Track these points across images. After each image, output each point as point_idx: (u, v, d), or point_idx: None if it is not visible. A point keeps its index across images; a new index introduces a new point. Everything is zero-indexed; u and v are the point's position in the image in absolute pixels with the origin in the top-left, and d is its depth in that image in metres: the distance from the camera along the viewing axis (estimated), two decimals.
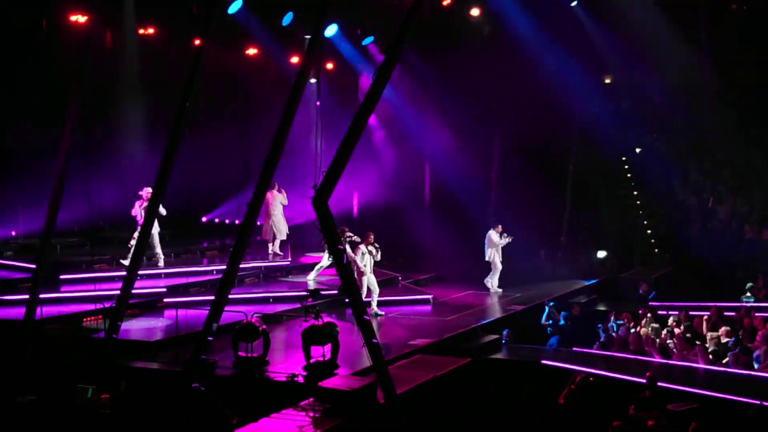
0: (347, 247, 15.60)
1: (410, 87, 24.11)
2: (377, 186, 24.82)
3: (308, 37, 14.37)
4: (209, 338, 12.16)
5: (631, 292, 20.49)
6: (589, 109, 24.64)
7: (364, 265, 16.36)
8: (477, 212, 23.43)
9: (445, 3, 22.51)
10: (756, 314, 16.29)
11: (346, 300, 13.52)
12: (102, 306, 13.92)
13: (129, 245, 17.45)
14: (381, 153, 25.47)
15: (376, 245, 16.63)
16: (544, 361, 14.06)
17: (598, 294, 20.54)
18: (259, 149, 14.51)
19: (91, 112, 18.06)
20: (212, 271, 18.41)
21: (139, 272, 13.86)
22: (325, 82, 22.54)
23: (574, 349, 15.34)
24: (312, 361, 12.27)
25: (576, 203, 25.21)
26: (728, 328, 15.56)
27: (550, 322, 17.24)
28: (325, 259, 18.17)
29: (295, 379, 12.01)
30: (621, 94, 26.51)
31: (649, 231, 24.71)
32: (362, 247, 16.50)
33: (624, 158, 26.03)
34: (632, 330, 16.05)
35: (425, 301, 18.17)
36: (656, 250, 24.24)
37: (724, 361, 14.38)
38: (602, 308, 19.18)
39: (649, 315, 16.74)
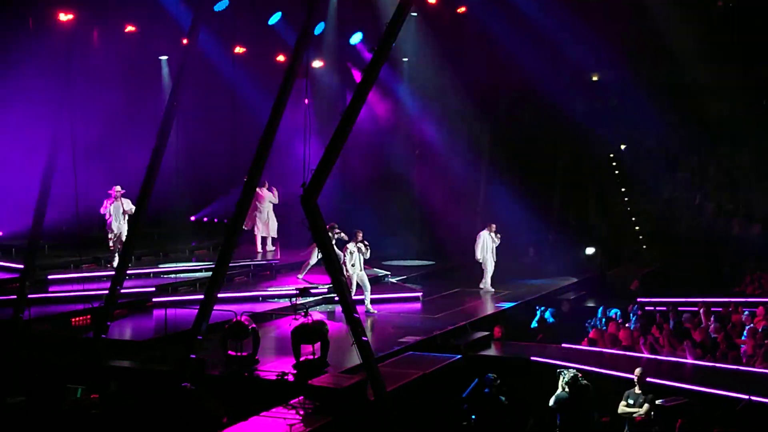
0: (334, 246, 15.55)
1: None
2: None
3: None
4: (199, 337, 12.16)
5: (619, 288, 20.54)
6: (578, 106, 24.67)
7: (353, 265, 16.28)
8: (466, 209, 23.43)
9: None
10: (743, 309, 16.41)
11: (336, 298, 13.51)
12: (91, 306, 13.86)
13: (110, 247, 17.46)
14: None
15: (366, 242, 16.55)
16: (533, 358, 14.12)
17: (586, 290, 20.58)
18: (248, 148, 14.45)
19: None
20: (201, 269, 18.38)
21: (128, 272, 13.81)
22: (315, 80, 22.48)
23: (564, 345, 15.37)
24: (302, 359, 12.27)
25: (565, 200, 25.25)
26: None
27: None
28: (314, 257, 18.13)
29: (285, 377, 12.00)
30: (608, 91, 26.54)
31: (637, 228, 24.79)
32: (350, 245, 16.39)
33: (612, 155, 26.08)
34: (621, 326, 16.11)
35: (415, 299, 18.15)
36: (644, 247, 24.33)
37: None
38: (591, 304, 19.21)
39: (639, 312, 16.82)
